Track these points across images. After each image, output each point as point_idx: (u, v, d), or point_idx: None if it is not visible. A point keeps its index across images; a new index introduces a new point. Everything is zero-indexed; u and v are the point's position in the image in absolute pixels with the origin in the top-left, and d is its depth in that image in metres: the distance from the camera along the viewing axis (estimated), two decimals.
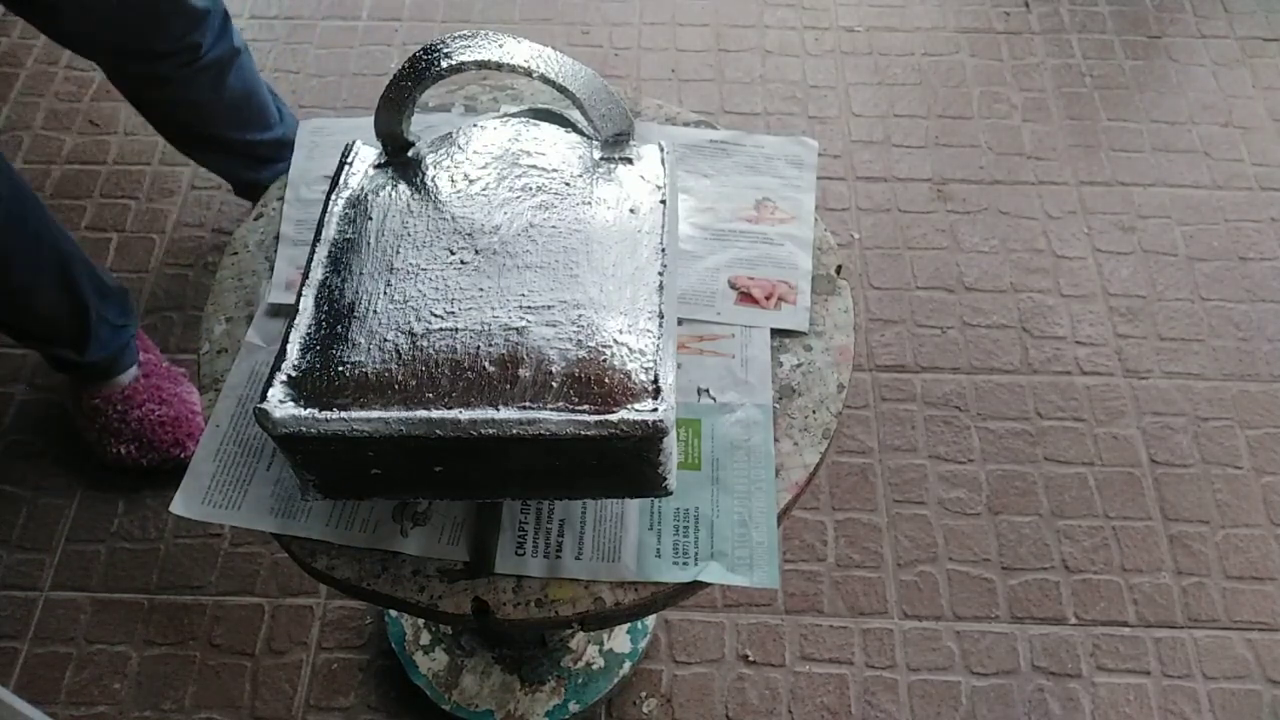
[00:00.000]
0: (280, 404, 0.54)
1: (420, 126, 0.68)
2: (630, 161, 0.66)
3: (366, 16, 1.78)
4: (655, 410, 0.53)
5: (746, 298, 0.73)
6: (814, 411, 0.68)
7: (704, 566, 0.62)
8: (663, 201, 0.64)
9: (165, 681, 1.13)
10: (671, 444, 0.56)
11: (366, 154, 0.68)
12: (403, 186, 0.64)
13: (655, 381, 0.54)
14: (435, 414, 0.53)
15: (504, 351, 0.55)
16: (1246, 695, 1.12)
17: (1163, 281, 1.45)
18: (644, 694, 1.12)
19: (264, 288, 0.75)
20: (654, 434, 0.53)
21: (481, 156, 0.65)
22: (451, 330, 0.56)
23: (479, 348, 0.55)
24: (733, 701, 1.12)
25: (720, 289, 0.73)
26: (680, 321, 0.71)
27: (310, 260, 0.61)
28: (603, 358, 0.55)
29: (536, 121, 0.68)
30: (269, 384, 0.55)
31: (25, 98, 1.67)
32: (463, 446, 0.53)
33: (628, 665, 1.10)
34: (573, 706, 1.08)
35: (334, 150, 0.70)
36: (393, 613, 1.14)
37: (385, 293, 0.58)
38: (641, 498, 0.63)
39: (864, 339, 1.39)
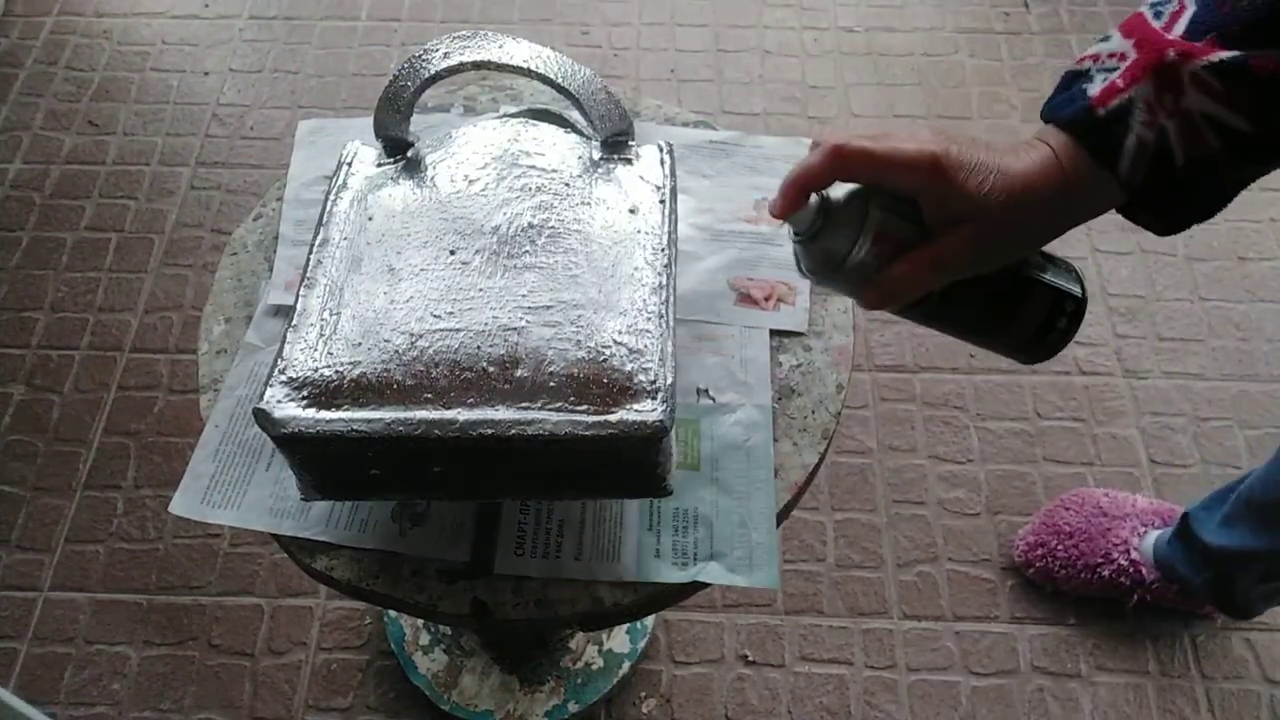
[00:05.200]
0: (280, 404, 0.54)
1: (419, 126, 0.68)
2: (630, 162, 0.66)
3: (366, 17, 1.78)
4: (654, 411, 0.53)
5: (746, 298, 0.73)
6: (813, 412, 0.68)
7: (703, 567, 0.62)
8: (662, 202, 0.64)
9: (164, 682, 1.13)
10: (671, 444, 0.56)
11: (366, 154, 0.68)
12: (402, 187, 0.64)
13: (654, 382, 0.54)
14: (434, 414, 0.53)
15: (503, 352, 0.55)
16: (1246, 695, 1.12)
17: (1162, 281, 1.45)
18: (643, 694, 1.12)
19: (263, 288, 0.75)
20: (653, 434, 0.53)
21: (481, 157, 0.65)
22: (451, 330, 0.56)
23: (478, 348, 0.55)
24: (732, 702, 1.12)
25: (719, 289, 0.73)
26: (679, 322, 0.70)
27: (309, 260, 0.61)
28: (602, 358, 0.55)
29: (536, 122, 0.68)
30: (268, 384, 0.55)
31: (24, 98, 1.67)
32: (461, 447, 0.53)
33: (627, 665, 1.10)
34: (572, 706, 1.08)
35: (333, 150, 0.70)
36: (392, 613, 1.14)
37: (384, 293, 0.58)
38: (641, 498, 0.63)
39: (863, 339, 1.39)
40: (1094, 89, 0.47)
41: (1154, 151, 0.46)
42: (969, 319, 0.56)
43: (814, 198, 0.51)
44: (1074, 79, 0.49)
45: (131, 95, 1.67)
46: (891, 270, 0.51)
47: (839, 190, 0.51)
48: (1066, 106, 0.48)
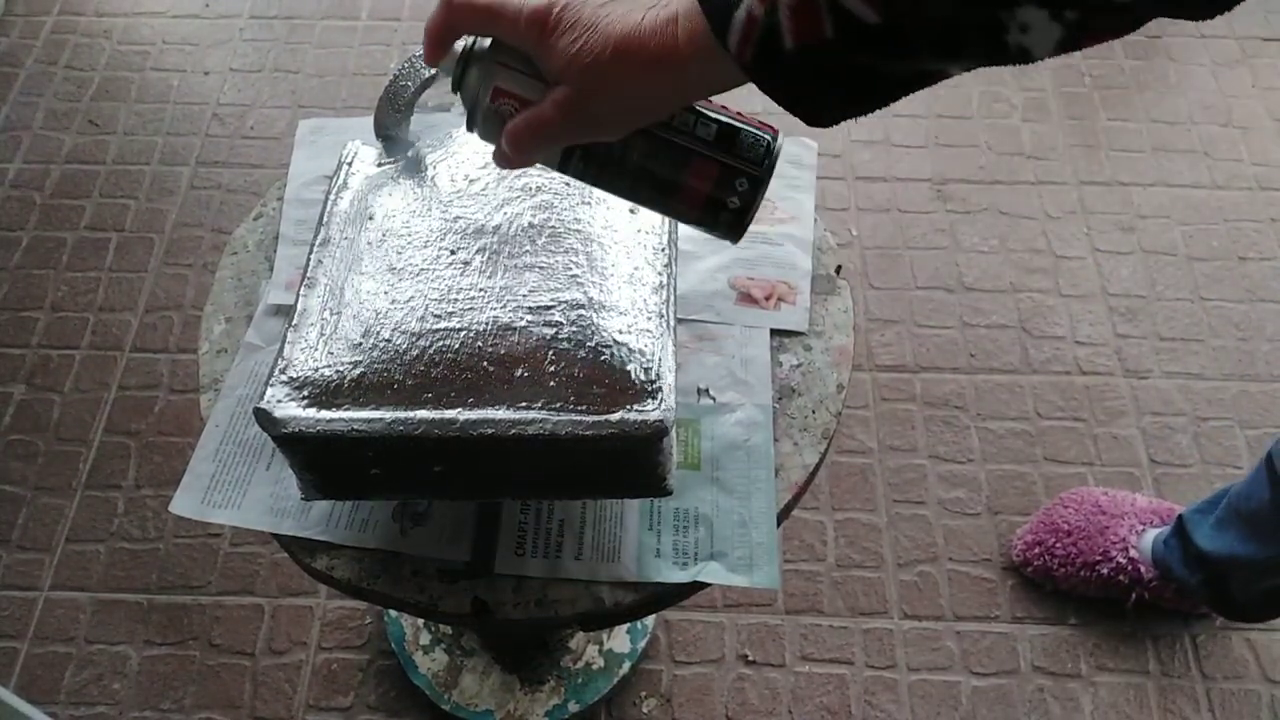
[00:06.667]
0: (280, 404, 0.54)
1: (420, 126, 0.68)
2: None
3: (366, 16, 1.78)
4: (655, 410, 0.53)
5: (746, 298, 0.73)
6: (813, 411, 0.68)
7: (704, 567, 0.62)
8: None
9: (165, 682, 1.13)
10: (671, 444, 0.56)
11: (366, 154, 0.68)
12: (402, 186, 0.64)
13: (655, 382, 0.54)
14: (434, 414, 0.53)
15: (503, 352, 0.55)
16: (1246, 695, 1.12)
17: (1162, 281, 1.45)
18: (644, 694, 1.12)
19: (264, 288, 0.75)
20: (653, 434, 0.53)
21: (481, 156, 0.65)
22: (451, 330, 0.56)
23: (478, 348, 0.55)
24: (732, 702, 1.12)
25: (720, 289, 0.73)
26: (680, 321, 0.71)
27: (310, 260, 0.61)
28: (602, 358, 0.55)
29: None
30: (269, 384, 0.55)
31: (25, 97, 1.67)
32: (461, 447, 0.53)
33: (627, 665, 1.10)
34: (572, 706, 1.08)
35: (334, 150, 0.70)
36: (392, 613, 1.14)
37: (385, 293, 0.58)
38: (641, 498, 0.63)
39: (864, 339, 1.39)
40: None
41: (762, 30, 0.39)
42: (624, 186, 0.51)
43: (458, 46, 0.49)
44: None
45: (132, 95, 1.67)
46: (505, 132, 0.48)
47: (483, 41, 0.49)
48: None
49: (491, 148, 0.51)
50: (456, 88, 0.50)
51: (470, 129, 0.51)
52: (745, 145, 0.49)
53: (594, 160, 0.49)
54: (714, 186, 0.49)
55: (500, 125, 0.48)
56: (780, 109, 0.44)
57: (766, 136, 0.50)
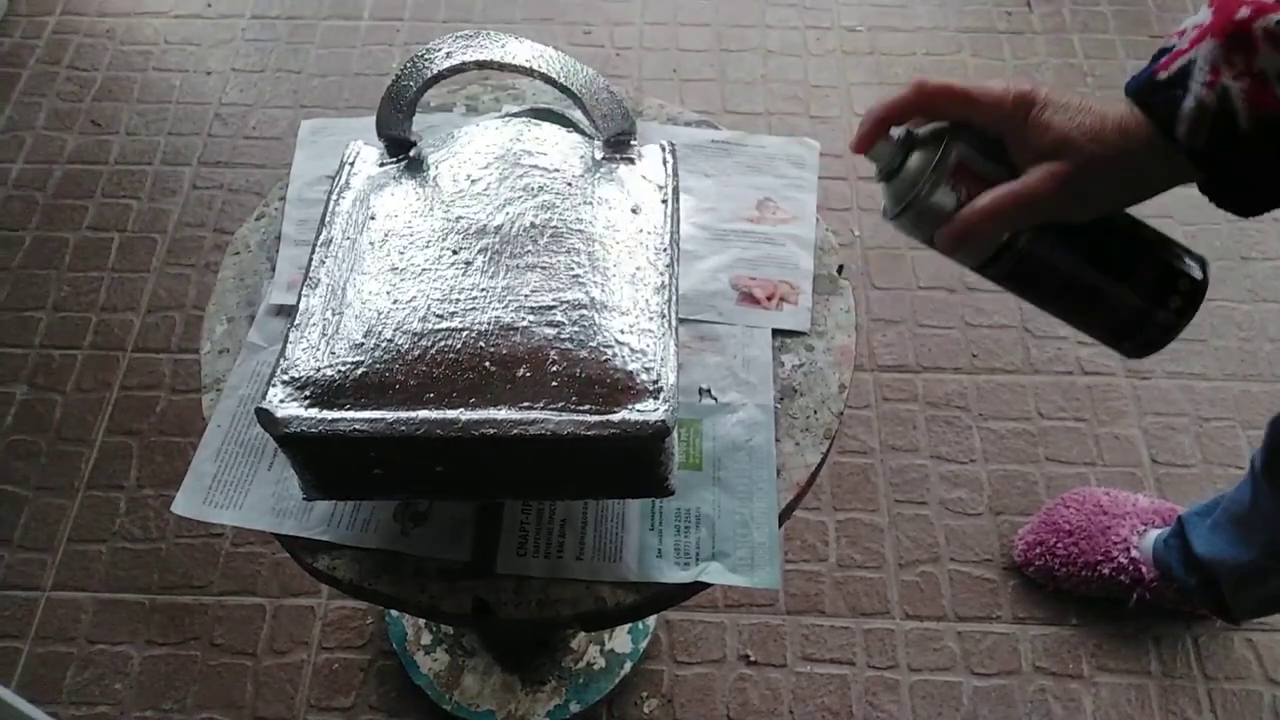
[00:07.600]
0: (282, 404, 0.54)
1: (422, 126, 0.68)
2: (632, 161, 0.65)
3: (368, 16, 1.78)
4: (656, 410, 0.53)
5: (748, 298, 0.73)
6: (815, 411, 0.68)
7: (705, 567, 0.62)
8: (665, 201, 0.64)
9: (166, 681, 1.13)
10: (673, 444, 0.56)
11: (368, 154, 0.68)
12: (405, 186, 0.64)
13: (657, 382, 0.54)
14: (436, 414, 0.53)
15: (505, 352, 0.55)
16: (1248, 696, 1.12)
17: None
18: (645, 694, 1.12)
19: (266, 288, 0.75)
20: (655, 434, 0.53)
21: (483, 156, 0.65)
22: (453, 330, 0.56)
23: (480, 348, 0.55)
24: (734, 702, 1.12)
25: (722, 289, 0.73)
26: (681, 321, 0.70)
27: (312, 260, 0.61)
28: (604, 358, 0.55)
29: (538, 121, 0.68)
30: (271, 384, 0.55)
31: (27, 98, 1.67)
32: (463, 447, 0.53)
33: (629, 665, 1.10)
34: (574, 706, 1.08)
35: (336, 150, 0.70)
36: (394, 613, 1.14)
37: (387, 293, 0.58)
38: (643, 498, 0.63)
39: (865, 339, 1.39)
40: (1165, 58, 0.46)
41: (1215, 114, 0.43)
42: (1059, 282, 0.50)
43: (896, 132, 0.50)
44: (1159, 54, 0.47)
45: (134, 95, 1.68)
46: (974, 203, 0.48)
47: (925, 127, 0.50)
48: (1137, 77, 0.47)
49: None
50: (891, 175, 0.50)
51: (896, 215, 0.51)
52: (1180, 248, 0.50)
53: (1038, 255, 0.49)
54: (1157, 285, 0.49)
55: (945, 207, 0.49)
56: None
57: (1188, 246, 0.51)
